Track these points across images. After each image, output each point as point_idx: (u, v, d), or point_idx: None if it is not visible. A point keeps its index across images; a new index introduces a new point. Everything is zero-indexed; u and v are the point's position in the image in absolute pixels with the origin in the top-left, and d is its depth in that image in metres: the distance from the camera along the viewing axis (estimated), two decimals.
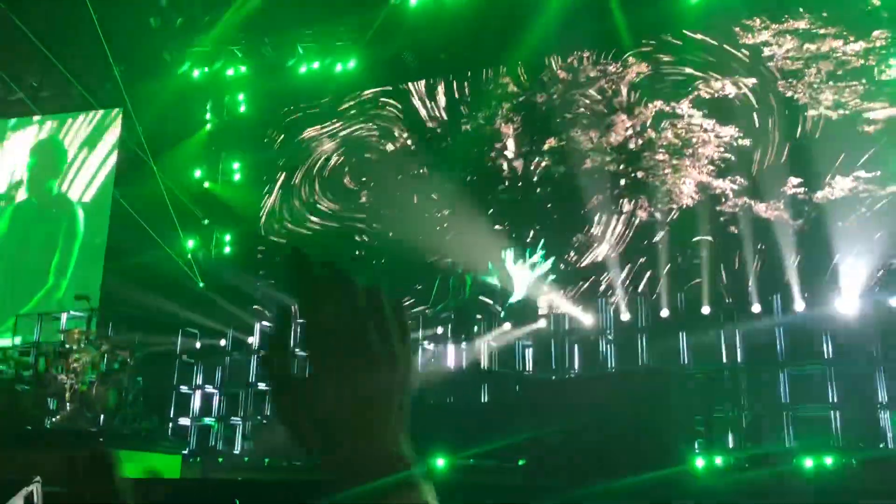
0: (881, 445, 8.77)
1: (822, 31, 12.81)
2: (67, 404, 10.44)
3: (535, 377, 11.18)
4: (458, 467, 9.10)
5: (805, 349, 10.14)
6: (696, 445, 8.20)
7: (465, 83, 15.24)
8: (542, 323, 12.48)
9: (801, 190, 12.31)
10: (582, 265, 13.50)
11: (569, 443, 7.30)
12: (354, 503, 0.70)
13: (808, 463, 7.81)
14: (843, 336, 9.83)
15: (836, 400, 9.47)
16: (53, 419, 10.50)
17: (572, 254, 13.64)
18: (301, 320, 0.75)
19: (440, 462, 8.25)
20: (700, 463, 7.81)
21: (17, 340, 13.04)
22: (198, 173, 16.20)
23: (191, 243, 15.49)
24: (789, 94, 12.76)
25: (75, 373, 10.52)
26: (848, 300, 10.69)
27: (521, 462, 8.41)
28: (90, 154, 16.36)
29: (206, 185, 16.15)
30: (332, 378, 0.73)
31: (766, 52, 13.01)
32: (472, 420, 10.37)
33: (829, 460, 7.84)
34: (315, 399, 0.73)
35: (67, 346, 10.76)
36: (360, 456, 0.72)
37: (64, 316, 12.95)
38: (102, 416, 10.50)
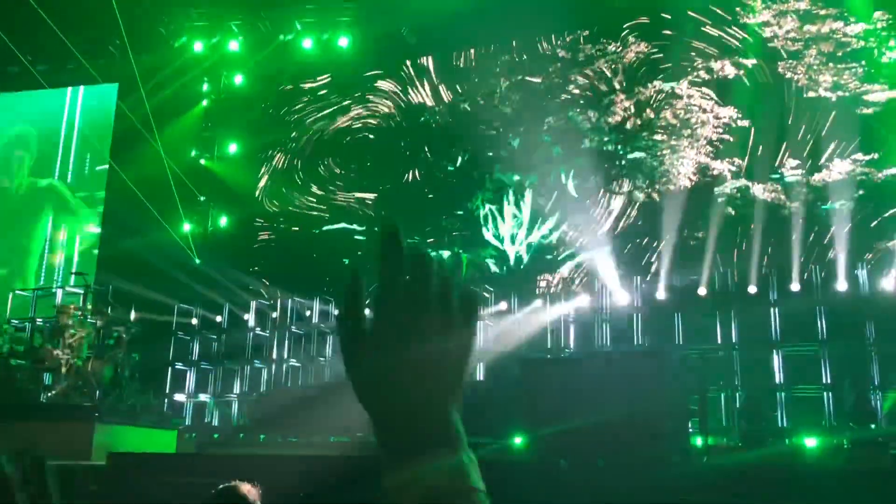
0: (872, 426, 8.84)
1: (822, 12, 12.74)
2: (63, 379, 10.44)
3: (531, 356, 11.20)
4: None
5: (800, 330, 10.19)
6: (690, 425, 8.24)
7: (464, 61, 15.13)
8: (538, 303, 12.49)
9: (799, 172, 12.30)
10: (579, 246, 13.49)
11: (565, 422, 7.32)
12: (397, 473, 0.71)
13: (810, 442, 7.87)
14: (837, 317, 9.88)
15: (829, 381, 9.53)
16: (49, 394, 10.50)
17: (570, 234, 13.62)
18: (382, 285, 0.76)
19: None
20: (698, 442, 7.85)
21: (12, 318, 13.01)
22: (194, 151, 16.10)
23: (187, 226, 15.44)
24: (789, 75, 12.71)
25: (71, 348, 10.51)
26: (843, 282, 10.71)
27: (518, 441, 8.44)
28: (86, 129, 16.26)
29: (203, 161, 16.06)
30: (398, 336, 0.74)
31: (767, 32, 12.94)
32: (471, 400, 10.39)
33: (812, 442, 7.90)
34: (380, 357, 0.74)
35: (63, 321, 10.74)
36: (411, 420, 0.73)
37: (59, 292, 12.92)
38: (98, 392, 10.50)
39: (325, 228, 15.14)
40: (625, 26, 13.89)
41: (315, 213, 15.40)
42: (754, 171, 12.64)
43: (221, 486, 3.34)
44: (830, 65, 12.50)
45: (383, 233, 0.77)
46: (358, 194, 15.32)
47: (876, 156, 11.87)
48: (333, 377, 12.39)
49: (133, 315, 12.47)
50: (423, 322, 0.75)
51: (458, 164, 14.59)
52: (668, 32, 13.56)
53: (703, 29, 13.29)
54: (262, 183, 15.80)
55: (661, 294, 11.72)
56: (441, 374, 0.75)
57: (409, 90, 15.40)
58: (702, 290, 11.57)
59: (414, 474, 0.71)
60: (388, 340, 0.74)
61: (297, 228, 15.33)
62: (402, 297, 0.75)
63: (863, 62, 12.33)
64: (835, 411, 9.26)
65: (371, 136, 15.56)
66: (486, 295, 12.81)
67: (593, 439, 7.03)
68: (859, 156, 11.94)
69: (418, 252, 0.78)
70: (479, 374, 11.30)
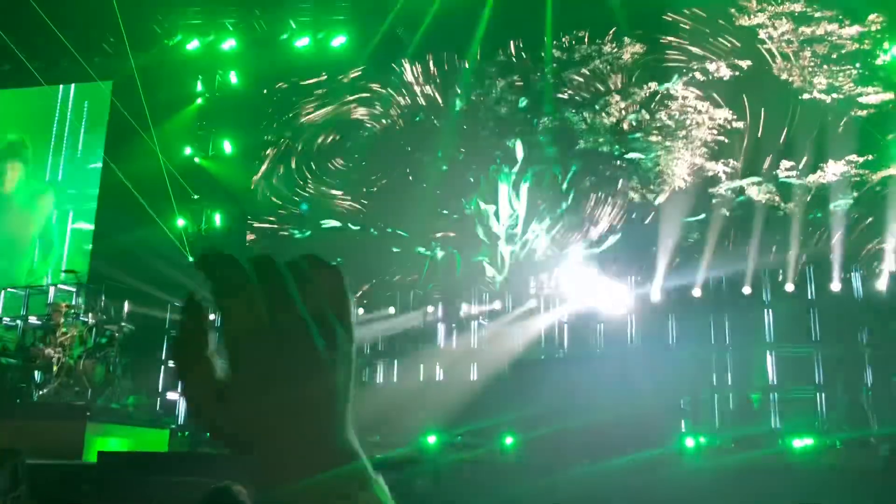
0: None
1: (817, 14, 12.76)
2: (54, 378, 10.40)
3: (524, 357, 11.20)
4: (448, 445, 9.13)
5: (794, 331, 10.20)
6: (683, 425, 8.25)
7: (459, 61, 15.12)
8: (532, 303, 12.50)
9: (794, 174, 12.32)
10: (574, 246, 13.49)
11: (557, 423, 7.32)
12: (297, 500, 0.62)
13: (796, 443, 7.87)
14: (830, 319, 9.90)
15: (821, 381, 9.55)
16: (40, 392, 10.46)
17: (564, 234, 13.62)
18: (220, 317, 0.64)
19: (431, 439, 8.27)
20: (689, 443, 7.85)
21: (4, 316, 12.96)
22: (188, 149, 16.06)
23: (181, 221, 15.40)
24: (784, 76, 12.73)
25: (62, 346, 10.47)
26: (836, 283, 10.73)
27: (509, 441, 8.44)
28: (80, 126, 16.21)
29: (197, 160, 16.02)
30: (260, 384, 0.63)
31: (762, 34, 12.95)
32: (463, 398, 10.40)
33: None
34: (239, 409, 0.63)
35: (55, 319, 10.70)
36: (301, 456, 0.63)
37: (52, 290, 12.87)
38: (90, 390, 10.46)
39: (323, 225, 15.10)
40: (623, 32, 13.90)
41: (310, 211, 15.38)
42: (749, 172, 12.66)
43: (214, 487, 3.33)
44: (825, 67, 12.52)
45: (201, 260, 0.65)
46: (351, 194, 15.30)
47: (870, 157, 11.90)
48: None
49: (126, 313, 12.43)
50: (294, 356, 0.64)
51: (452, 163, 14.58)
52: (662, 39, 13.58)
53: (699, 30, 13.30)
54: (258, 181, 15.77)
55: (654, 295, 11.72)
56: (330, 402, 0.65)
57: (404, 89, 15.39)
58: (696, 292, 11.57)
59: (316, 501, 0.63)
60: (251, 391, 0.63)
61: (286, 229, 15.27)
62: (259, 332, 0.63)
63: (857, 64, 12.36)
64: (827, 412, 9.28)
65: (365, 135, 15.54)
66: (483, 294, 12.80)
67: (584, 440, 7.04)
68: (853, 157, 11.97)
69: (262, 258, 0.66)
70: (472, 374, 11.29)
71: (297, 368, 0.63)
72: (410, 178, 14.96)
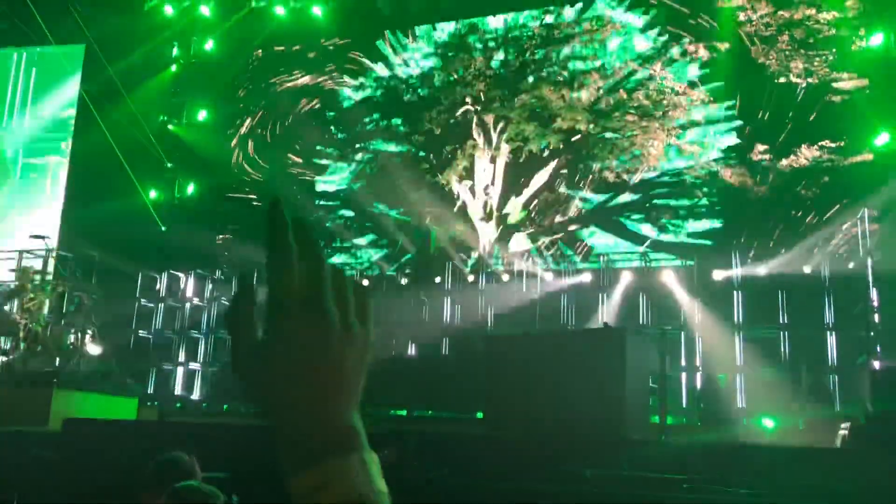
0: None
1: None
2: (21, 344, 10.27)
3: (494, 333, 11.24)
4: (417, 419, 9.17)
5: (761, 313, 10.34)
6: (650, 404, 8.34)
7: (438, 34, 15.00)
8: (506, 278, 12.53)
9: (767, 157, 12.41)
10: (548, 223, 13.52)
11: (526, 398, 7.37)
12: (301, 480, 0.71)
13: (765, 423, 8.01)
14: (797, 300, 10.04)
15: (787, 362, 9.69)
16: (7, 358, 10.33)
17: (539, 213, 13.64)
18: (266, 283, 0.74)
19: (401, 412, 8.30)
20: (657, 421, 7.94)
21: None
22: (162, 116, 15.81)
23: (153, 193, 15.21)
24: (761, 60, 12.77)
25: (29, 312, 10.33)
26: (805, 265, 10.86)
27: (479, 415, 8.50)
28: (50, 90, 15.87)
29: (171, 127, 15.79)
30: (288, 345, 0.73)
31: (741, 16, 12.97)
32: (433, 374, 10.43)
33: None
34: (271, 365, 0.73)
35: (22, 284, 10.54)
36: (309, 427, 0.72)
37: (19, 255, 12.66)
38: (57, 357, 10.35)
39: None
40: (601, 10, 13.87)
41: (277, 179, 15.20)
42: (723, 153, 12.75)
43: (163, 457, 3.42)
44: (802, 51, 12.57)
45: (268, 214, 0.73)
46: (323, 166, 15.18)
47: (842, 143, 12.01)
48: None
49: (95, 280, 12.28)
50: (319, 329, 0.73)
51: (429, 137, 14.50)
52: (641, 18, 13.56)
53: (677, 12, 13.28)
54: (233, 151, 15.57)
55: (626, 276, 11.79)
56: (340, 381, 0.74)
57: (383, 62, 15.25)
58: (667, 273, 11.65)
59: (318, 481, 0.70)
60: (283, 353, 0.73)
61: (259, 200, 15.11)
62: (293, 299, 0.73)
63: (833, 50, 12.43)
64: (792, 393, 9.43)
65: (344, 107, 15.41)
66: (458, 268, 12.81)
67: (552, 416, 7.09)
68: (826, 142, 12.07)
69: (301, 221, 0.75)
70: (444, 349, 11.32)
71: (314, 334, 0.73)
72: (387, 151, 14.87)
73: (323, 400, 0.73)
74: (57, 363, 10.38)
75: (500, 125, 14.04)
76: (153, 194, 15.21)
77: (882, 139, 11.56)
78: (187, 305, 13.69)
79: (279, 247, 0.73)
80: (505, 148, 13.94)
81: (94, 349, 10.92)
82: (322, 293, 0.74)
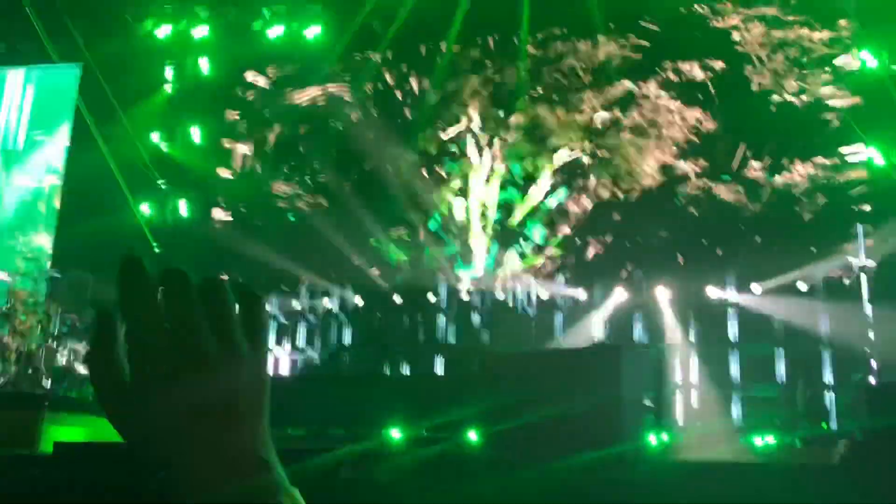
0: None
1: (790, 19, 12.88)
2: (13, 366, 10.18)
3: (489, 350, 11.18)
4: (413, 439, 9.07)
5: (757, 330, 10.30)
6: (646, 422, 8.27)
7: (433, 55, 15.05)
8: (500, 296, 12.49)
9: (762, 175, 12.44)
10: (543, 242, 13.50)
11: (522, 417, 7.30)
12: None
13: (757, 441, 7.94)
14: (794, 318, 10.01)
15: (784, 380, 9.65)
16: None
17: (533, 230, 13.63)
18: (124, 322, 0.68)
19: (395, 433, 8.21)
20: (652, 440, 7.87)
21: None
22: (156, 136, 15.80)
23: (147, 208, 15.17)
24: (755, 78, 12.83)
25: (22, 334, 10.25)
26: (800, 284, 10.84)
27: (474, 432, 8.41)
28: (46, 110, 15.85)
29: (165, 147, 15.78)
30: (159, 385, 0.66)
31: (735, 36, 13.05)
32: (428, 392, 10.35)
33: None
34: (144, 410, 0.67)
35: (14, 307, 10.47)
36: (209, 463, 0.65)
37: (11, 277, 12.57)
38: (49, 380, 10.26)
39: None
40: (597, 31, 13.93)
41: (279, 203, 15.20)
42: (718, 172, 12.77)
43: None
44: (796, 70, 12.65)
45: (121, 263, 0.68)
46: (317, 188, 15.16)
47: (837, 161, 12.05)
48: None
49: (87, 302, 12.19)
50: (192, 362, 0.66)
51: (423, 157, 14.51)
52: (636, 38, 13.62)
53: (673, 31, 13.35)
54: (228, 171, 15.54)
55: (620, 293, 11.74)
56: (232, 413, 0.67)
57: (377, 82, 15.29)
58: (662, 290, 11.61)
59: None
60: (155, 394, 0.66)
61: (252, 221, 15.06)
62: (159, 337, 0.66)
63: (826, 68, 12.50)
64: (788, 410, 9.38)
65: (340, 128, 15.42)
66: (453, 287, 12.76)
67: (549, 434, 7.02)
68: (820, 160, 12.11)
69: (171, 270, 0.69)
70: (439, 368, 11.25)
71: (185, 369, 0.66)
72: (381, 170, 14.87)
73: (217, 434, 0.66)
74: (48, 385, 10.28)
75: (496, 143, 14.06)
76: (147, 213, 15.18)
77: (871, 155, 11.61)
78: None
79: (130, 284, 0.68)
80: (500, 167, 13.95)
81: (85, 371, 10.83)
82: (188, 320, 0.67)
